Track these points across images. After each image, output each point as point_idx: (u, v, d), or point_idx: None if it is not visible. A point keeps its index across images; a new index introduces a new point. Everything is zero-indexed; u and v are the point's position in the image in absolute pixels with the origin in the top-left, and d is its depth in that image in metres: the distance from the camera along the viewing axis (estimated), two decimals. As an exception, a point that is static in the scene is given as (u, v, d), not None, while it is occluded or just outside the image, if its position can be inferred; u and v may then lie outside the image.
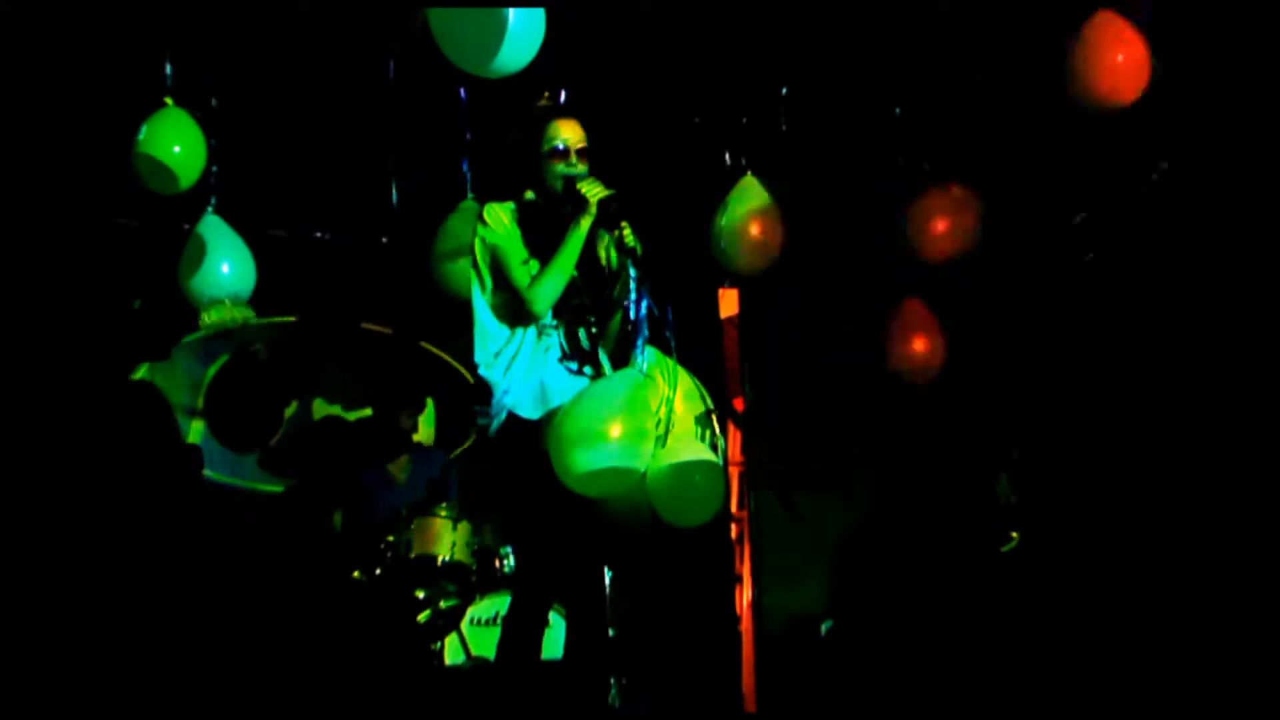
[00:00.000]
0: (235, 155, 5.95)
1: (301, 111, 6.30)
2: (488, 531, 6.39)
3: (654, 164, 6.50)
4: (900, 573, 6.45)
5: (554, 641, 4.76)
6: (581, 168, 4.61)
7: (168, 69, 5.65)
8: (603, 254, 4.79)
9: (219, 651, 5.31)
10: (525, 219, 4.64)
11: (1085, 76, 5.28)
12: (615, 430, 4.29)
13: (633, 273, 4.47)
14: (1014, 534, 6.22)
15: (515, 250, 4.61)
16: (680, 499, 4.64)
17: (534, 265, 4.59)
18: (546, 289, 4.51)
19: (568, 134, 4.59)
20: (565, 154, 4.57)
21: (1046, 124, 5.97)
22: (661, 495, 4.61)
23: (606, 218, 4.58)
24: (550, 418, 4.53)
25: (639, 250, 4.52)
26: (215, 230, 5.84)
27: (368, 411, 7.01)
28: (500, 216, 4.62)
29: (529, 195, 4.72)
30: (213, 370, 6.68)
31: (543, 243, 4.59)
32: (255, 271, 5.94)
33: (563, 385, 4.61)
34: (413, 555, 6.01)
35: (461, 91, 5.94)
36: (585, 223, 4.50)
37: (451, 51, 4.71)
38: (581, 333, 4.68)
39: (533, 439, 4.56)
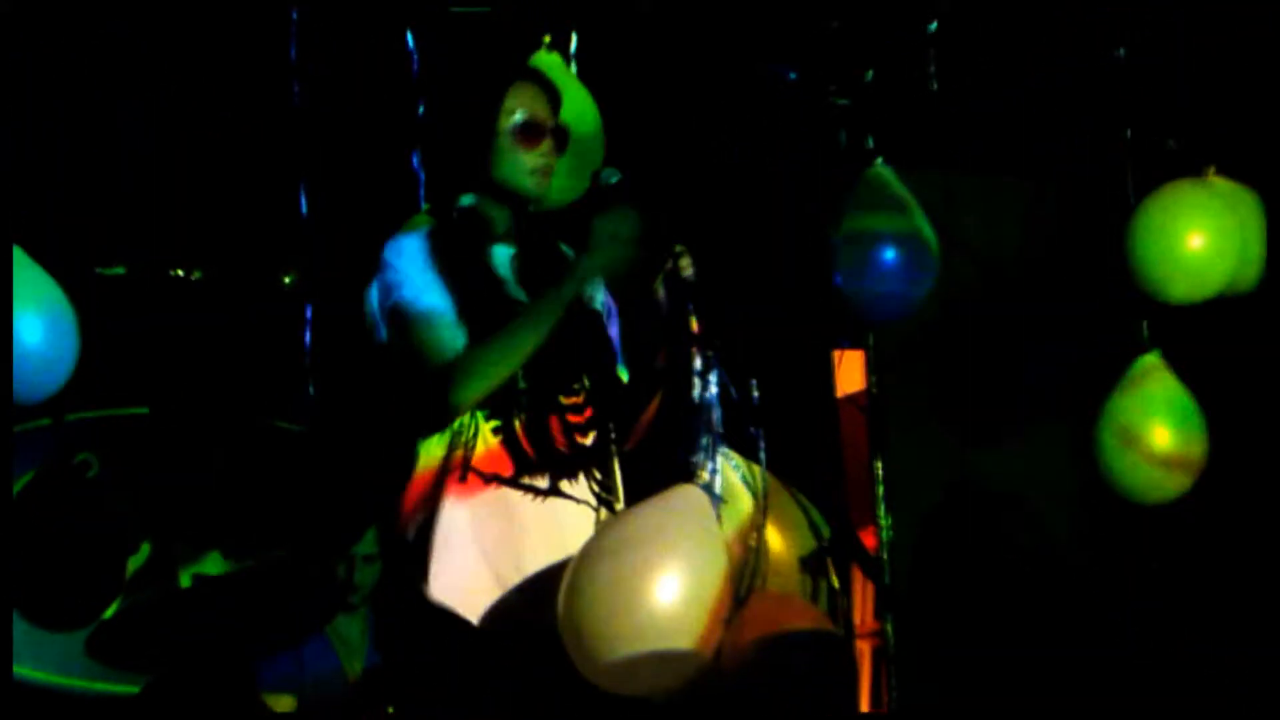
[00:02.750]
0: (46, 152, 5.80)
1: (151, 78, 6.01)
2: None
3: (725, 151, 6.40)
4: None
5: None
6: (554, 161, 4.27)
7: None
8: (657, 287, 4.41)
9: None
10: (453, 240, 4.25)
11: None
12: (671, 590, 3.92)
13: (695, 328, 4.27)
14: None
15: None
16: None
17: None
18: (482, 374, 4.15)
19: (537, 104, 4.27)
20: (535, 133, 4.24)
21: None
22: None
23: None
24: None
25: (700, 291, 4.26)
26: (14, 269, 5.33)
27: (267, 555, 6.85)
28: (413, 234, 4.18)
29: (466, 200, 4.55)
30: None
31: (476, 278, 4.22)
32: (77, 334, 5.49)
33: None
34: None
35: (409, 36, 5.80)
36: (581, 281, 4.12)
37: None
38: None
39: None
